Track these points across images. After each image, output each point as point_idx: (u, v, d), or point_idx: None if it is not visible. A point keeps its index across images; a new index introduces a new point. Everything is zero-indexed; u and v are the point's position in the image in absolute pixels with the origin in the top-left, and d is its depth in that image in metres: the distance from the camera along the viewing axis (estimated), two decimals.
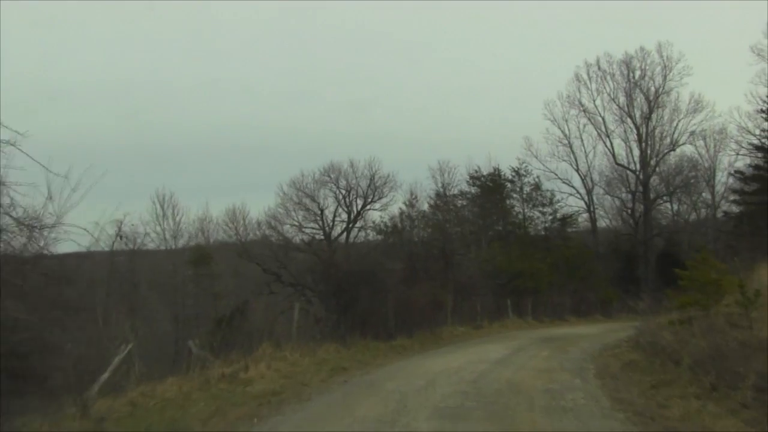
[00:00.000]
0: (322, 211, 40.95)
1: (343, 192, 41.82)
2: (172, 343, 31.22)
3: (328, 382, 11.64)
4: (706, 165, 57.54)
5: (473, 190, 40.05)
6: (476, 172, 40.06)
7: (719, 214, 50.02)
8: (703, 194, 61.24)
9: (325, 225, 41.13)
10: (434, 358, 15.57)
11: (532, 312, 29.99)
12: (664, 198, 53.30)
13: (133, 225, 35.34)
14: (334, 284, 19.90)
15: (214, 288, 41.10)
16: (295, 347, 13.61)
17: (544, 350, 16.80)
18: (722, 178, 60.05)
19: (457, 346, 18.83)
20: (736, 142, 37.06)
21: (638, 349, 14.03)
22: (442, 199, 38.60)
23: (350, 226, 42.09)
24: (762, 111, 34.37)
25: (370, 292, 18.93)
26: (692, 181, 53.90)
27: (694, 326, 12.04)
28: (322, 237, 41.23)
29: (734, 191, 39.66)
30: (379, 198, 41.09)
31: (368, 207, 41.76)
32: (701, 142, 52.25)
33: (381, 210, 41.72)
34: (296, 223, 41.49)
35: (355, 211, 41.85)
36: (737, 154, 43.59)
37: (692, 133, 48.68)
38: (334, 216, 41.34)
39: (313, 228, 41.56)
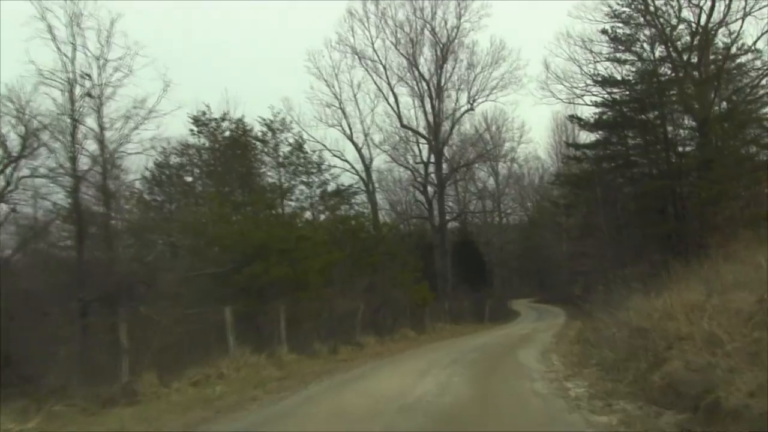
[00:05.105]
0: None
1: None
2: None
3: None
4: (488, 148, 49.96)
5: (200, 141, 25.15)
6: (204, 114, 25.27)
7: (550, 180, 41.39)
8: (487, 182, 54.32)
9: None
10: None
11: (289, 334, 14.09)
12: (451, 179, 43.27)
13: None
14: None
15: None
16: None
17: None
18: (505, 165, 53.35)
19: None
20: (569, 83, 27.02)
21: None
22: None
23: None
24: (604, 32, 24.90)
25: None
26: (476, 165, 45.32)
27: None
28: None
29: (570, 145, 30.36)
30: (35, 149, 24.29)
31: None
32: (484, 125, 43.91)
33: (50, 178, 25.04)
34: None
35: None
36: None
37: (493, 88, 38.87)
38: None
39: None
